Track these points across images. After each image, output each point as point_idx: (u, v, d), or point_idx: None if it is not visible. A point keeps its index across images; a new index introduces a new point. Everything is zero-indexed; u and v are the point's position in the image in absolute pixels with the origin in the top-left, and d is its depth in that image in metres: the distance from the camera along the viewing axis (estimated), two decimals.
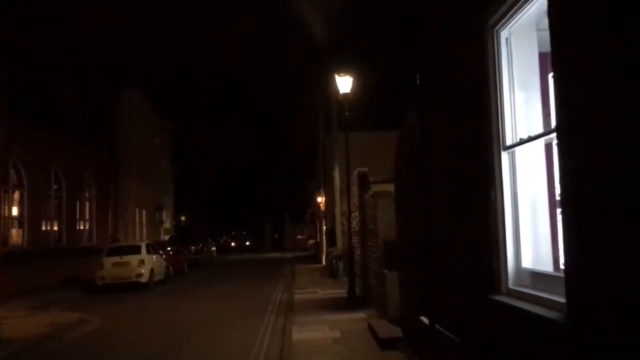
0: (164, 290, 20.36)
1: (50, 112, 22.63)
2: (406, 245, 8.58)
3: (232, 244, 72.90)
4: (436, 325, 6.56)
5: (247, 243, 73.42)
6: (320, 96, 30.42)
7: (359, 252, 16.28)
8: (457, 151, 5.44)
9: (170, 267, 25.03)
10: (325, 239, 28.67)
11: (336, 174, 24.08)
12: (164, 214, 45.03)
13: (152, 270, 20.63)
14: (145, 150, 37.63)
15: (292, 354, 9.02)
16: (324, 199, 31.49)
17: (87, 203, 26.55)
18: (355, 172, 16.21)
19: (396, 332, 9.38)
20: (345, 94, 15.43)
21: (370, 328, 10.42)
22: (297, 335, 10.52)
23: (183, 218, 69.68)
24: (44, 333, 11.71)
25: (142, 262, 20.32)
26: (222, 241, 69.87)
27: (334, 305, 14.52)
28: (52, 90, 23.31)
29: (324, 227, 30.68)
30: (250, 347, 9.94)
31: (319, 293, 17.37)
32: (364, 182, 15.33)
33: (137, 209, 34.84)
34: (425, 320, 7.09)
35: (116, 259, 20.31)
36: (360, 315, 12.53)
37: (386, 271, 10.98)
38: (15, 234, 20.64)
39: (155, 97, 40.36)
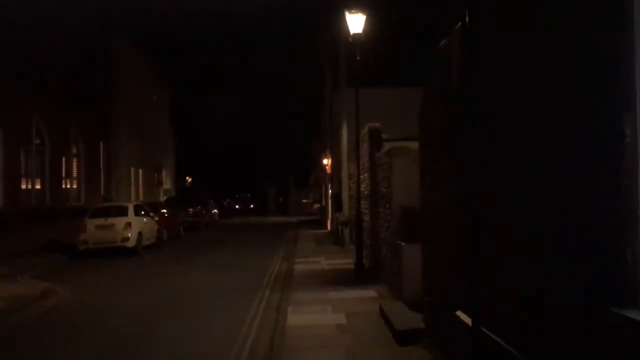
0: (153, 256, 18.60)
1: (31, 62, 20.52)
2: (434, 214, 6.62)
3: (237, 206, 71.36)
4: (484, 329, 4.64)
5: (252, 206, 71.83)
6: (327, 49, 28.12)
7: (367, 219, 14.36)
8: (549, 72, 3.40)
9: (164, 231, 23.26)
10: (331, 203, 26.79)
11: (344, 132, 22.04)
12: (163, 174, 43.20)
13: (140, 234, 18.82)
14: (141, 107, 35.58)
15: (284, 347, 7.16)
16: (330, 160, 29.49)
17: (75, 160, 24.64)
18: (366, 128, 14.15)
19: (416, 321, 7.49)
20: (356, 35, 13.27)
21: (383, 312, 8.55)
22: (293, 318, 8.67)
23: (189, 179, 68.17)
24: None
25: (128, 224, 18.50)
26: (225, 204, 68.32)
27: (339, 278, 12.68)
28: (32, 37, 21.14)
29: (330, 191, 28.78)
30: (235, 333, 8.11)
31: (321, 263, 15.54)
32: (375, 139, 13.29)
33: (132, 168, 32.98)
34: (464, 318, 5.16)
35: (100, 221, 18.49)
36: (369, 293, 10.67)
37: (403, 243, 9.04)
38: None
39: (151, 53, 38.17)
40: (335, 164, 26.37)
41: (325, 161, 31.36)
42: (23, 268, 15.53)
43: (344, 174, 21.53)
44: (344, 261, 15.61)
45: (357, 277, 12.77)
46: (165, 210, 26.68)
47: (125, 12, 33.06)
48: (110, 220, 18.47)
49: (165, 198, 35.78)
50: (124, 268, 15.97)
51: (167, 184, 45.49)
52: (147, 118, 37.11)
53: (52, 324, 9.34)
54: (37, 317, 9.78)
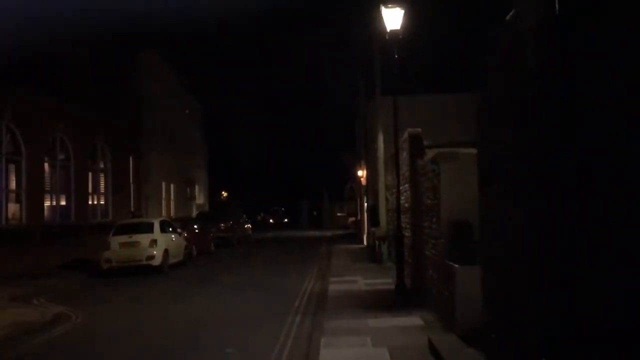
0: (180, 275, 17.56)
1: (56, 74, 19.90)
2: (500, 232, 5.29)
3: (270, 220, 70.42)
4: None
5: (285, 220, 70.79)
6: (360, 56, 26.94)
7: (409, 234, 13.02)
8: None
9: (194, 247, 22.31)
10: (367, 217, 25.45)
11: (380, 142, 20.71)
12: (196, 189, 42.55)
13: (166, 251, 17.82)
14: (173, 121, 34.99)
15: None
16: (365, 172, 28.18)
17: (102, 174, 23.94)
18: (406, 134, 12.86)
19: None
20: (393, 32, 12.04)
21: (433, 347, 7.22)
22: (327, 355, 7.40)
23: (224, 194, 67.72)
24: None
25: (154, 242, 17.52)
26: (259, 218, 67.49)
27: (378, 301, 11.36)
28: (59, 49, 20.55)
29: (365, 204, 27.44)
30: None
31: (358, 283, 14.22)
32: (416, 146, 11.98)
33: (163, 182, 32.29)
34: None
35: (124, 238, 17.57)
36: (414, 320, 9.32)
37: (455, 265, 7.70)
38: (12, 210, 18.10)
39: (182, 67, 37.69)
40: (371, 175, 25.06)
41: (360, 172, 30.07)
42: (42, 289, 14.68)
43: (381, 185, 20.19)
44: (383, 281, 14.26)
45: (399, 300, 11.43)
46: (196, 226, 25.79)
47: (156, 26, 32.69)
48: (135, 237, 17.53)
49: (196, 213, 34.97)
50: (146, 289, 14.95)
51: (200, 198, 44.83)
52: (178, 132, 36.51)
53: (56, 355, 8.29)
54: (41, 346, 8.75)
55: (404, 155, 13.20)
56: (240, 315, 10.59)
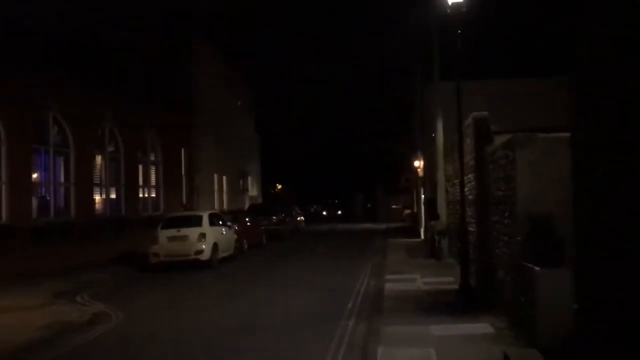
0: (229, 270, 16.89)
1: (105, 63, 19.54)
2: (609, 229, 4.14)
3: (324, 213, 69.75)
4: None
5: (339, 212, 69.92)
6: (417, 39, 25.59)
7: (473, 229, 11.81)
8: None
9: (244, 241, 21.68)
10: (424, 209, 24.18)
11: (438, 129, 19.44)
12: (248, 181, 42.16)
13: (215, 245, 17.18)
14: (225, 113, 34.55)
15: None
16: (421, 162, 26.88)
17: (153, 167, 23.60)
18: (470, 119, 11.64)
19: None
20: (456, 4, 10.82)
21: None
22: None
23: (279, 186, 67.49)
24: (27, 341, 8.33)
25: (202, 235, 16.90)
26: (312, 210, 66.91)
27: (441, 304, 10.25)
28: (108, 38, 20.19)
29: (422, 196, 26.17)
30: None
31: (417, 282, 13.10)
32: (483, 131, 10.78)
33: (215, 175, 31.90)
34: None
35: (172, 232, 17.02)
36: (483, 327, 8.19)
37: (536, 268, 6.52)
38: (61, 203, 17.87)
39: (234, 58, 37.24)
40: (429, 166, 23.78)
41: (416, 163, 28.75)
42: (88, 284, 14.27)
43: (440, 176, 18.94)
44: (444, 279, 13.11)
45: (464, 302, 10.28)
46: (247, 219, 25.21)
47: (208, 15, 32.26)
48: (183, 231, 16.96)
49: (248, 206, 34.47)
50: (192, 285, 14.31)
51: (253, 190, 44.45)
52: (231, 124, 36.09)
53: None
54: (73, 351, 8.11)
55: (468, 142, 11.97)
56: (287, 319, 9.71)
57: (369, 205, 67.44)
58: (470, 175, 11.93)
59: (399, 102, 38.43)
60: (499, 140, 9.44)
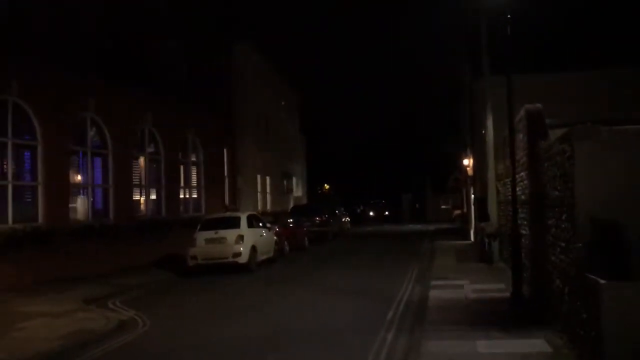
0: (267, 274, 16.33)
1: (144, 62, 19.28)
2: None
3: (370, 213, 68.67)
4: None
5: (386, 213, 68.65)
6: (466, 32, 24.46)
7: (526, 232, 10.83)
8: None
9: (285, 243, 21.14)
10: (474, 210, 23.06)
11: (489, 126, 18.36)
12: (293, 181, 41.71)
13: (253, 248, 16.66)
14: (269, 113, 34.16)
15: None
16: (471, 160, 25.71)
17: (194, 168, 23.32)
18: (522, 112, 10.66)
19: None
20: None
21: None
22: None
23: (326, 186, 66.91)
24: (48, 351, 7.91)
25: (240, 238, 16.39)
26: (359, 211, 65.93)
27: (490, 314, 9.35)
28: (150, 40, 19.94)
29: (472, 196, 25.01)
30: None
31: (465, 288, 12.18)
32: (537, 125, 9.80)
33: (258, 175, 31.52)
34: None
35: (210, 234, 16.59)
36: (537, 344, 7.29)
37: (601, 281, 5.60)
38: (99, 205, 17.70)
39: (279, 57, 36.78)
40: (478, 164, 22.64)
41: (465, 161, 27.56)
42: (123, 288, 13.96)
43: (490, 175, 17.88)
44: (494, 286, 12.15)
45: (516, 313, 9.35)
46: (290, 220, 24.68)
47: (251, 14, 31.89)
48: (221, 233, 16.50)
49: (291, 207, 33.93)
50: (228, 290, 13.79)
51: (298, 191, 44.00)
52: (275, 124, 35.69)
53: None
54: None
55: (520, 138, 11.00)
56: (323, 330, 9.00)
57: (417, 206, 66.00)
58: (522, 174, 10.96)
59: (448, 98, 37.20)
60: (555, 135, 8.48)
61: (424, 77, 48.47)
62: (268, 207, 32.44)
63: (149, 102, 19.56)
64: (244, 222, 16.92)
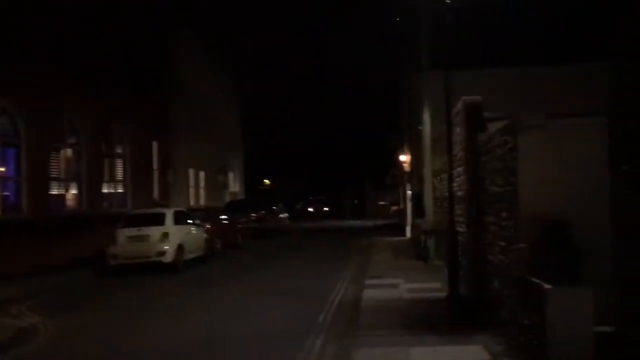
0: (195, 273, 15.37)
1: (62, 43, 17.79)
2: None
3: (310, 209, 68.12)
4: None
5: (326, 209, 68.31)
6: (405, 26, 24.17)
7: (463, 229, 10.39)
8: None
9: (217, 240, 20.16)
10: (410, 206, 22.79)
11: (426, 121, 18.02)
12: (230, 176, 40.57)
13: (180, 246, 15.66)
14: (205, 106, 32.91)
15: None
16: (408, 157, 25.47)
17: (120, 160, 21.96)
18: (460, 104, 10.21)
19: None
20: None
21: None
22: None
23: (267, 182, 65.87)
24: None
25: (165, 235, 15.37)
26: (298, 207, 65.26)
27: (425, 316, 8.83)
28: (74, 22, 18.46)
29: (409, 192, 24.78)
30: None
31: (400, 288, 11.68)
32: (476, 117, 9.35)
33: (192, 170, 30.29)
34: None
35: (133, 231, 15.47)
36: (475, 351, 6.78)
37: (546, 286, 5.08)
38: (11, 200, 16.23)
39: (218, 48, 35.51)
40: (415, 160, 22.38)
41: (402, 157, 27.33)
42: (35, 290, 12.77)
43: (426, 170, 17.53)
44: (430, 285, 11.71)
45: (452, 316, 8.87)
46: (225, 217, 23.68)
47: (192, 3, 30.47)
48: (145, 230, 15.42)
49: (226, 203, 32.83)
50: (150, 292, 12.79)
51: (236, 187, 42.88)
52: (212, 117, 34.44)
53: None
54: None
55: (458, 131, 10.55)
56: (244, 337, 8.23)
57: (356, 202, 65.96)
58: (459, 169, 10.51)
59: (387, 94, 37.02)
60: (495, 128, 8.01)
61: (366, 73, 48.21)
62: (202, 202, 31.27)
63: (70, 88, 18.12)
64: (169, 218, 15.88)
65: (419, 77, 20.67)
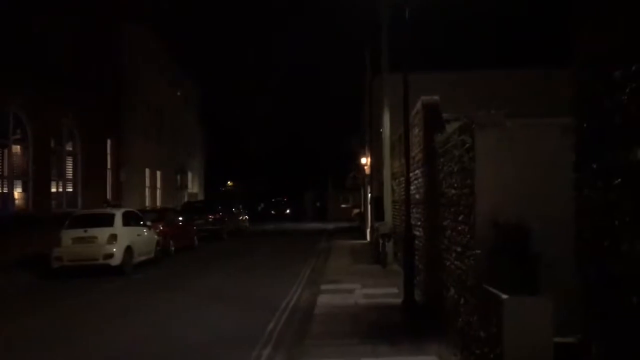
0: (144, 277, 14.67)
1: (18, 41, 16.93)
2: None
3: (272, 212, 67.51)
4: None
5: (288, 211, 67.83)
6: (367, 28, 23.88)
7: (421, 233, 10.09)
8: None
9: (171, 242, 19.48)
10: (370, 209, 22.50)
11: (386, 123, 17.70)
12: (189, 176, 39.69)
13: (129, 248, 14.95)
14: (162, 103, 32.04)
15: None
16: (369, 159, 25.21)
17: (70, 158, 21.02)
18: (419, 104, 9.91)
19: None
20: None
21: None
22: None
23: (230, 183, 65.00)
24: None
25: (113, 237, 14.65)
26: (260, 209, 64.58)
27: (380, 325, 8.45)
28: (23, 13, 17.55)
29: (369, 195, 24.51)
30: None
31: (356, 293, 11.30)
32: (434, 118, 9.05)
33: (147, 169, 29.39)
34: None
35: (79, 232, 14.69)
36: None
37: (503, 296, 4.73)
38: None
39: (177, 45, 34.63)
40: (375, 162, 22.10)
41: (363, 160, 27.07)
42: None
43: (386, 173, 17.24)
44: (387, 291, 11.37)
45: (407, 324, 8.51)
46: (180, 218, 22.94)
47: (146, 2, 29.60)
48: (91, 231, 14.66)
49: (183, 204, 31.94)
50: (94, 297, 12.08)
51: (195, 187, 41.99)
52: (169, 115, 33.56)
53: None
54: None
55: (416, 132, 10.25)
56: (190, 346, 7.71)
57: (318, 204, 65.62)
58: (417, 171, 10.22)
59: (350, 96, 36.78)
60: (456, 124, 7.69)
61: (329, 76, 47.96)
62: (158, 203, 30.39)
63: (15, 82, 17.20)
64: (118, 219, 15.14)
65: (379, 78, 20.40)
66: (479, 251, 5.32)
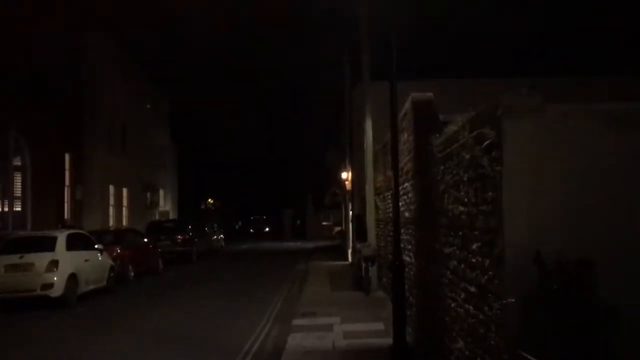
0: (92, 310, 12.64)
1: None
2: None
3: (250, 230, 65.35)
4: None
5: (267, 229, 65.66)
6: (347, 35, 22.33)
7: (411, 259, 8.30)
8: None
9: (130, 267, 17.48)
10: (352, 228, 20.69)
11: (368, 133, 15.98)
12: (160, 194, 37.61)
13: (73, 277, 12.94)
14: (128, 116, 30.04)
15: None
16: (349, 174, 23.45)
17: (19, 174, 18.96)
18: (409, 103, 8.17)
19: None
20: None
21: None
22: None
23: (211, 201, 63.11)
24: None
25: (54, 264, 12.62)
26: (237, 227, 62.43)
27: None
28: None
29: (350, 212, 22.73)
30: None
31: (334, 331, 9.45)
32: (426, 119, 7.34)
33: (112, 186, 27.30)
34: None
35: (13, 258, 12.64)
36: None
37: None
38: None
39: (145, 57, 32.79)
40: (357, 177, 20.37)
41: (344, 175, 25.30)
42: None
43: (369, 188, 15.48)
44: (371, 327, 9.56)
45: None
46: (145, 239, 20.91)
47: (111, 5, 27.78)
48: (28, 257, 12.62)
49: (148, 223, 29.72)
50: (21, 337, 10.07)
51: (166, 205, 39.87)
52: (136, 129, 31.52)
53: None
54: None
55: (406, 138, 8.51)
56: None
57: (298, 222, 63.63)
58: (407, 185, 8.46)
59: (329, 112, 35.14)
60: (460, 122, 5.95)
61: (307, 90, 46.43)
62: (124, 223, 28.28)
63: None
64: (61, 243, 13.11)
65: (360, 86, 18.78)
66: (512, 300, 3.53)
